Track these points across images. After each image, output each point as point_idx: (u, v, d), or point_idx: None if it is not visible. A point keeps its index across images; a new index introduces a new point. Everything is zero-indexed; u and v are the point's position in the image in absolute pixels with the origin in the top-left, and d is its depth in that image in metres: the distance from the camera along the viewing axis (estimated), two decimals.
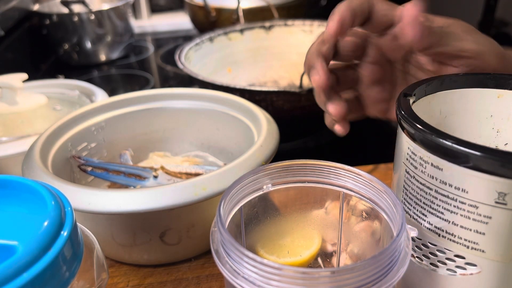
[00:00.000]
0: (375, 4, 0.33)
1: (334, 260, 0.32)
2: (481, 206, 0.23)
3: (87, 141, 0.49)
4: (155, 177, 0.45)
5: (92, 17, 1.00)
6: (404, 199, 0.28)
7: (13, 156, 0.49)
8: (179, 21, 1.31)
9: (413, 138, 0.26)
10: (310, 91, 0.55)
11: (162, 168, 0.45)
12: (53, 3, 1.07)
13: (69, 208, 0.23)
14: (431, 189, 0.25)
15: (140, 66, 1.06)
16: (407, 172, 0.27)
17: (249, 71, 0.83)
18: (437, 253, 0.26)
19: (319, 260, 0.33)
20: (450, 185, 0.24)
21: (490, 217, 0.23)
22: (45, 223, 0.21)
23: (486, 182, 0.22)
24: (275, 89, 0.58)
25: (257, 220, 0.30)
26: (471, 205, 0.24)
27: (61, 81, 0.70)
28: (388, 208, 0.26)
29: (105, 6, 1.05)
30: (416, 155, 0.26)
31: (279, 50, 0.83)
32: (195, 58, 0.75)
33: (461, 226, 0.24)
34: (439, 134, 0.24)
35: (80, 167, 0.45)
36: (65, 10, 1.01)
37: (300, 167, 0.29)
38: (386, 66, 0.37)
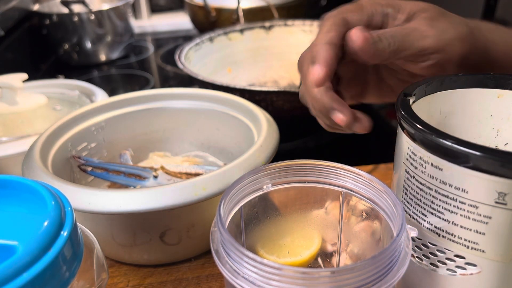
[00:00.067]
0: (349, 22, 0.32)
1: (334, 260, 0.32)
2: (481, 206, 0.23)
3: (87, 141, 0.49)
4: (155, 177, 0.45)
5: (92, 17, 1.00)
6: (404, 199, 0.28)
7: (13, 156, 0.49)
8: (179, 21, 1.31)
9: (413, 138, 0.26)
10: None
11: (162, 168, 0.45)
12: (53, 3, 1.07)
13: (69, 208, 0.23)
14: (431, 189, 0.25)
15: (140, 66, 1.06)
16: (407, 172, 0.27)
17: (249, 71, 0.83)
18: (437, 253, 0.26)
19: (319, 260, 0.33)
20: (450, 185, 0.24)
21: (490, 217, 0.23)
22: (45, 223, 0.21)
23: (486, 182, 0.22)
24: (275, 89, 0.58)
25: (257, 220, 0.30)
26: (471, 205, 0.24)
27: (61, 81, 0.70)
28: (388, 208, 0.26)
29: (105, 6, 1.05)
30: (416, 155, 0.26)
31: (279, 50, 0.83)
32: (195, 58, 0.75)
33: (461, 226, 0.24)
34: (439, 134, 0.24)
35: (80, 167, 0.45)
36: (65, 10, 1.01)
37: (300, 167, 0.29)
38: (358, 66, 0.37)
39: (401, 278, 0.23)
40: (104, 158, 0.50)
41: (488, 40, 0.35)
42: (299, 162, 0.29)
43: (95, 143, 0.49)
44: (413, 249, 0.28)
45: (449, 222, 0.25)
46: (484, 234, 0.24)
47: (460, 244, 0.25)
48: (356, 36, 0.30)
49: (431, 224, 0.26)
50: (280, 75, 0.82)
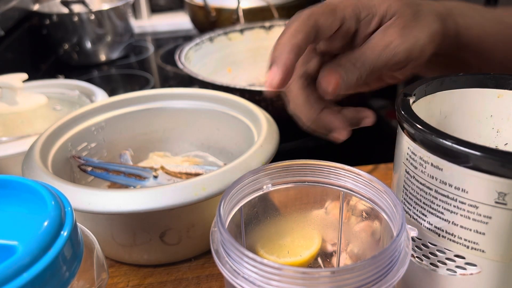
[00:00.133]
0: (320, 26, 0.29)
1: (334, 260, 0.32)
2: (481, 206, 0.23)
3: (87, 141, 0.49)
4: (155, 177, 0.45)
5: (92, 17, 1.00)
6: (404, 199, 0.28)
7: (13, 156, 0.49)
8: (179, 21, 1.31)
9: (413, 138, 0.26)
10: None
11: (162, 168, 0.45)
12: (53, 3, 1.07)
13: (69, 208, 0.23)
14: (431, 189, 0.25)
15: (140, 66, 1.06)
16: (407, 172, 0.27)
17: (249, 71, 0.83)
18: (437, 253, 0.26)
19: (319, 260, 0.33)
20: (450, 185, 0.24)
21: (490, 217, 0.23)
22: (45, 223, 0.21)
23: (486, 182, 0.22)
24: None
25: (257, 220, 0.30)
26: (471, 205, 0.24)
27: (61, 81, 0.70)
28: (388, 208, 0.26)
29: (105, 6, 1.05)
30: (416, 155, 0.26)
31: None
32: (195, 58, 0.75)
33: (461, 226, 0.24)
34: (439, 134, 0.24)
35: (80, 167, 0.45)
36: (65, 10, 1.01)
37: (300, 167, 0.29)
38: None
39: (401, 278, 0.23)
40: (104, 158, 0.50)
41: (459, 25, 0.34)
42: (299, 162, 0.29)
43: (95, 143, 0.49)
44: (413, 249, 0.28)
45: (449, 222, 0.25)
46: (484, 234, 0.24)
47: (460, 244, 0.25)
48: (327, 83, 0.30)
49: (431, 224, 0.26)
50: None
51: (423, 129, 0.24)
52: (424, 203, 0.26)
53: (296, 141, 0.67)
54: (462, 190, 0.24)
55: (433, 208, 0.25)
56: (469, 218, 0.24)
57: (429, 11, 0.33)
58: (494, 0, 0.99)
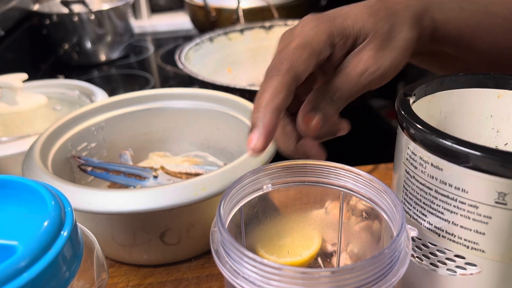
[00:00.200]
0: (300, 75, 0.28)
1: (334, 260, 0.32)
2: (481, 206, 0.23)
3: (87, 141, 0.49)
4: (155, 177, 0.45)
5: (92, 17, 1.00)
6: (404, 199, 0.28)
7: (13, 156, 0.49)
8: (179, 21, 1.31)
9: (413, 138, 0.26)
10: None
11: (162, 168, 0.45)
12: (53, 3, 1.07)
13: (69, 208, 0.23)
14: (431, 189, 0.25)
15: (140, 66, 1.06)
16: (407, 172, 0.27)
17: (249, 71, 0.83)
18: (437, 253, 0.26)
19: (319, 260, 0.33)
20: (450, 185, 0.24)
21: (490, 217, 0.23)
22: (45, 223, 0.21)
23: (486, 182, 0.22)
24: None
25: (257, 220, 0.30)
26: (471, 205, 0.24)
27: (61, 81, 0.70)
28: (388, 208, 0.26)
29: (105, 6, 1.05)
30: (416, 155, 0.26)
31: None
32: (195, 58, 0.75)
33: (461, 226, 0.24)
34: (439, 134, 0.24)
35: (80, 167, 0.45)
36: (65, 10, 1.01)
37: (300, 167, 0.29)
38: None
39: (401, 278, 0.23)
40: (104, 158, 0.50)
41: (436, 21, 0.34)
42: (299, 162, 0.29)
43: (95, 143, 0.49)
44: (413, 249, 0.28)
45: (449, 222, 0.25)
46: (484, 234, 0.24)
47: (460, 244, 0.25)
48: (306, 126, 0.29)
49: (431, 224, 0.26)
50: None
51: (423, 129, 0.24)
52: (424, 203, 0.26)
53: None
54: (462, 190, 0.24)
55: (433, 208, 0.26)
56: (469, 218, 0.24)
57: (405, 18, 0.32)
58: None
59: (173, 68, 1.01)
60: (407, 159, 0.27)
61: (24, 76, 0.61)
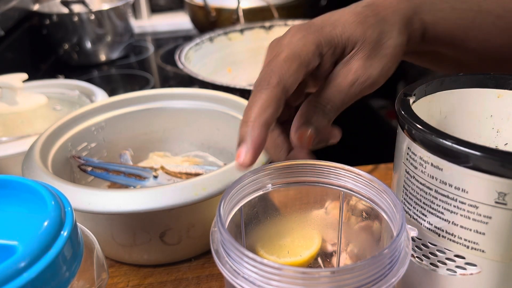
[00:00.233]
0: (289, 88, 0.28)
1: (334, 260, 0.32)
2: (481, 206, 0.23)
3: (87, 141, 0.49)
4: (155, 177, 0.45)
5: (92, 17, 1.00)
6: (404, 199, 0.28)
7: (13, 156, 0.49)
8: (179, 21, 1.31)
9: (413, 138, 0.26)
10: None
11: (162, 168, 0.45)
12: (53, 3, 1.07)
13: (69, 208, 0.23)
14: (431, 189, 0.25)
15: (140, 66, 1.06)
16: (407, 172, 0.27)
17: (249, 71, 0.83)
18: (437, 253, 0.26)
19: (319, 260, 0.33)
20: (450, 185, 0.24)
21: (490, 217, 0.23)
22: (45, 223, 0.21)
23: (486, 182, 0.22)
24: None
25: (257, 220, 0.30)
26: (471, 205, 0.24)
27: (61, 81, 0.70)
28: (388, 208, 0.26)
29: (105, 6, 1.05)
30: (416, 155, 0.26)
31: None
32: (195, 58, 0.75)
33: (461, 226, 0.24)
34: (439, 134, 0.24)
35: (80, 167, 0.45)
36: (65, 10, 1.01)
37: (300, 167, 0.29)
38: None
39: (401, 278, 0.23)
40: (104, 158, 0.50)
41: (425, 22, 0.34)
42: (299, 162, 0.29)
43: (95, 143, 0.49)
44: (413, 249, 0.28)
45: (449, 222, 0.25)
46: (484, 234, 0.24)
47: (460, 244, 0.25)
48: (299, 140, 0.29)
49: (431, 224, 0.26)
50: None
51: (423, 129, 0.24)
52: (424, 203, 0.26)
53: None
54: (462, 190, 0.24)
55: (433, 208, 0.26)
56: (469, 218, 0.24)
57: (394, 23, 0.32)
58: None
59: (173, 68, 1.01)
60: (407, 159, 0.27)
61: (24, 76, 0.61)
